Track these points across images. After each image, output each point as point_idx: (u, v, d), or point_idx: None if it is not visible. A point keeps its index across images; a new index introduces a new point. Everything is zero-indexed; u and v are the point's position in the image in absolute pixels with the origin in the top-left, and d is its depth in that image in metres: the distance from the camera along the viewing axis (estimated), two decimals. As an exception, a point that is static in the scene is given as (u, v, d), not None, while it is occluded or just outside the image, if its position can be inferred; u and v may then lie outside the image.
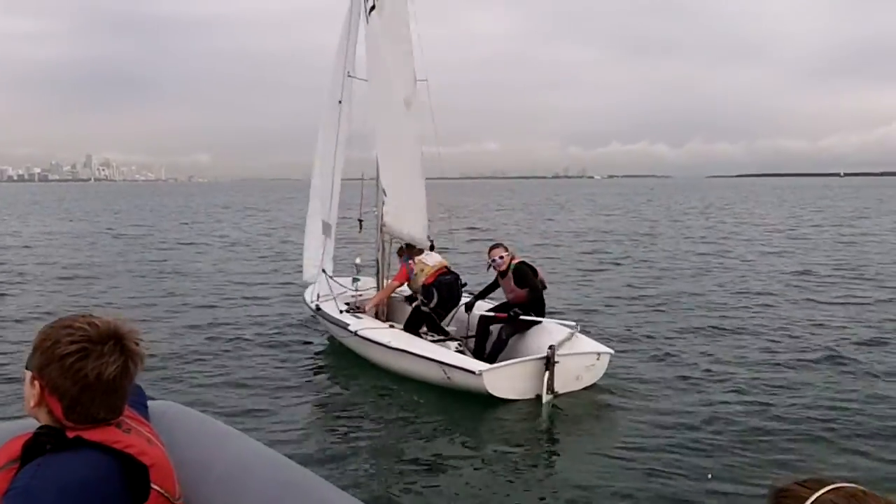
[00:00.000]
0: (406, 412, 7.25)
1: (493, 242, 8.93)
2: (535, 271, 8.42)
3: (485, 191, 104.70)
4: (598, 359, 7.68)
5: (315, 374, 8.74)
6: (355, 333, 8.39)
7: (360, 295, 9.85)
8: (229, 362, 8.93)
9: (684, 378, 8.14)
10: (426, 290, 8.64)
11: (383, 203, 9.35)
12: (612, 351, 7.86)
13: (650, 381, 7.99)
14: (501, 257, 8.43)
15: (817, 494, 1.14)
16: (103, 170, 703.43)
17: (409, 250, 9.16)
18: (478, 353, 8.25)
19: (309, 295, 9.96)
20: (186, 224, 37.51)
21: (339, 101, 9.29)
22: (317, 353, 9.60)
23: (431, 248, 9.20)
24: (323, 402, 7.72)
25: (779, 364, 8.78)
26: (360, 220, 10.03)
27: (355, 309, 9.15)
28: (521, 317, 8.22)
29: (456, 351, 8.16)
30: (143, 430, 1.69)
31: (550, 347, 7.35)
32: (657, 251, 22.03)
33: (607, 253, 21.60)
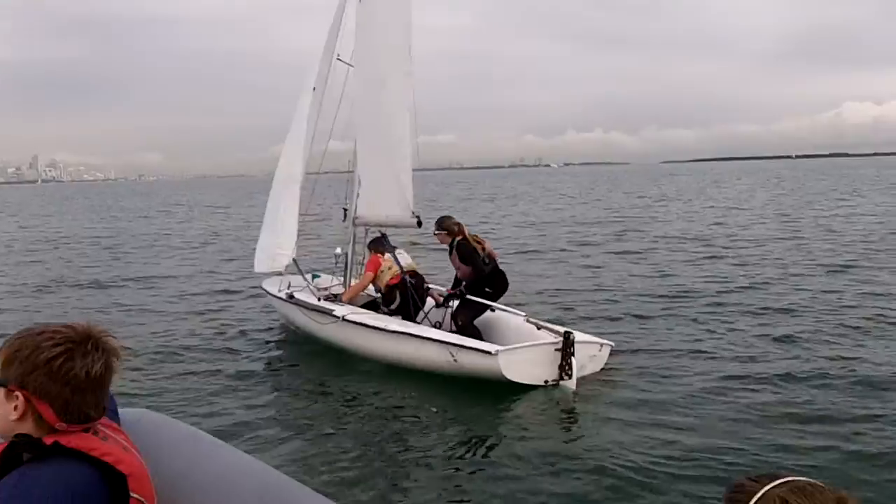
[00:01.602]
0: (403, 404, 7.10)
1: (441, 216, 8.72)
2: (479, 247, 8.22)
3: (447, 182, 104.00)
4: (600, 349, 7.77)
5: (293, 370, 8.48)
6: (343, 318, 8.15)
7: (327, 290, 9.47)
8: (195, 366, 8.46)
9: (684, 370, 8.03)
10: (389, 290, 8.53)
11: (357, 195, 9.29)
12: (612, 344, 7.95)
13: (651, 373, 7.93)
14: (436, 233, 8.41)
15: (766, 489, 1.21)
16: (50, 171, 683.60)
17: (380, 244, 8.95)
18: None
19: (272, 285, 9.76)
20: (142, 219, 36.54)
21: (314, 88, 9.17)
22: (291, 351, 9.30)
23: (419, 224, 8.98)
24: (303, 401, 7.39)
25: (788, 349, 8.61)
26: (346, 209, 9.65)
27: (333, 297, 8.95)
28: (469, 296, 8.14)
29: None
30: (119, 438, 1.69)
31: (567, 333, 7.37)
32: (635, 240, 21.32)
33: (587, 244, 20.85)
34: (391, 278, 8.53)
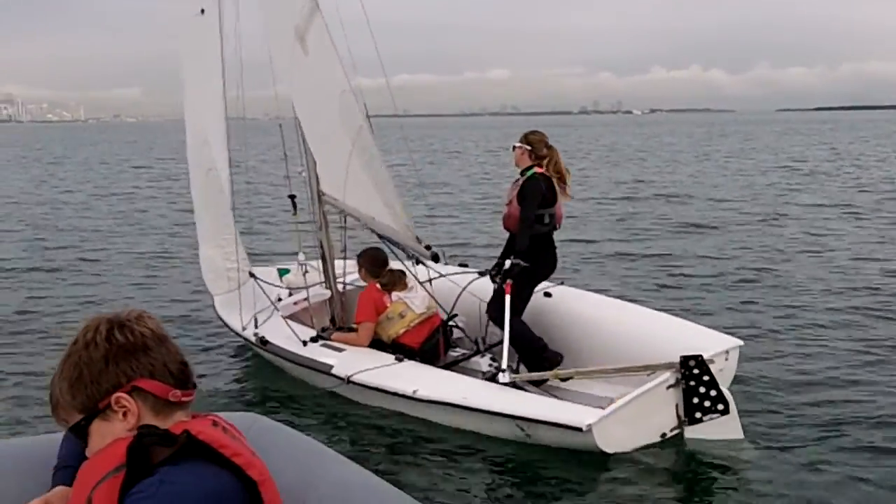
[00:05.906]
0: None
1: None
2: (553, 195, 7.41)
3: (497, 132, 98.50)
4: (727, 358, 6.96)
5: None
6: (347, 381, 7.37)
7: (305, 300, 8.49)
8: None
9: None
10: (407, 351, 7.53)
11: (315, 163, 8.33)
12: (740, 342, 7.18)
13: (779, 380, 7.80)
14: (516, 146, 7.59)
15: None
16: (6, 108, 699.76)
17: (374, 267, 7.82)
18: (530, 361, 7.40)
19: (232, 316, 8.67)
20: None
21: (202, 11, 8.24)
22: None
23: (435, 259, 7.93)
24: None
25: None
26: (293, 197, 8.72)
27: (320, 335, 7.99)
28: (505, 276, 7.26)
29: (490, 370, 7.27)
30: (243, 440, 1.83)
31: (685, 360, 6.43)
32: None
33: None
34: (406, 331, 7.58)
